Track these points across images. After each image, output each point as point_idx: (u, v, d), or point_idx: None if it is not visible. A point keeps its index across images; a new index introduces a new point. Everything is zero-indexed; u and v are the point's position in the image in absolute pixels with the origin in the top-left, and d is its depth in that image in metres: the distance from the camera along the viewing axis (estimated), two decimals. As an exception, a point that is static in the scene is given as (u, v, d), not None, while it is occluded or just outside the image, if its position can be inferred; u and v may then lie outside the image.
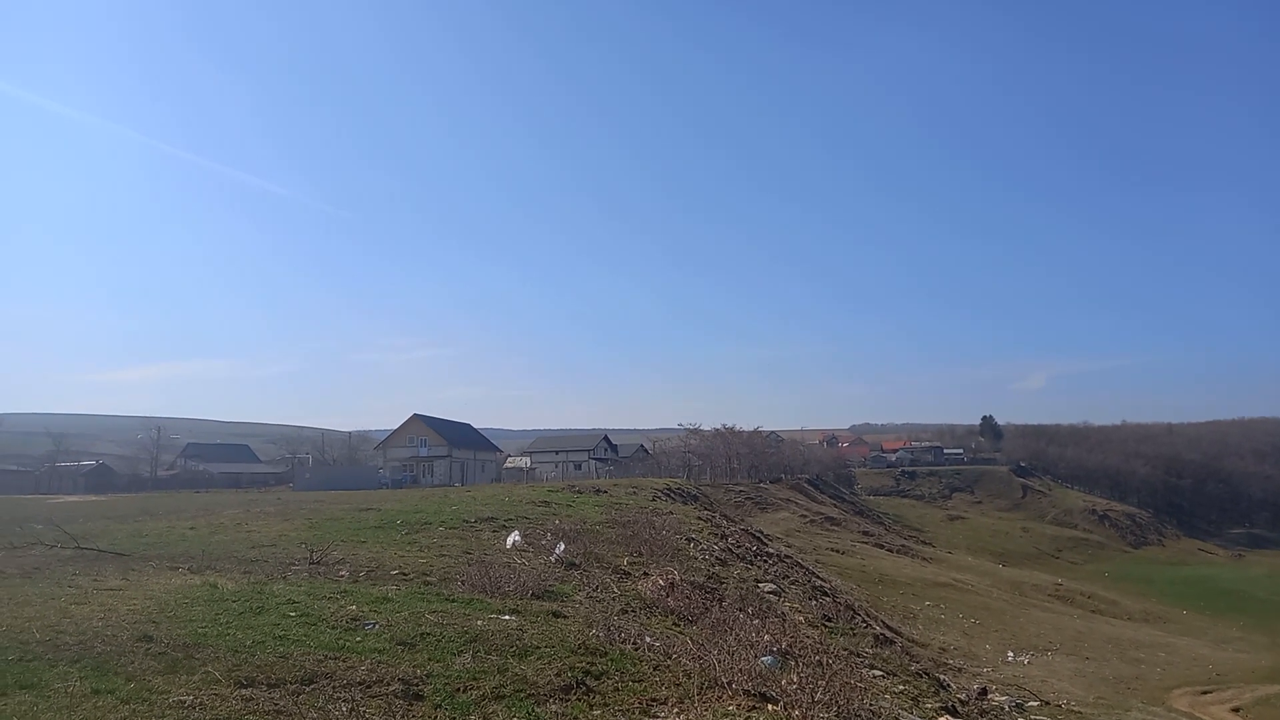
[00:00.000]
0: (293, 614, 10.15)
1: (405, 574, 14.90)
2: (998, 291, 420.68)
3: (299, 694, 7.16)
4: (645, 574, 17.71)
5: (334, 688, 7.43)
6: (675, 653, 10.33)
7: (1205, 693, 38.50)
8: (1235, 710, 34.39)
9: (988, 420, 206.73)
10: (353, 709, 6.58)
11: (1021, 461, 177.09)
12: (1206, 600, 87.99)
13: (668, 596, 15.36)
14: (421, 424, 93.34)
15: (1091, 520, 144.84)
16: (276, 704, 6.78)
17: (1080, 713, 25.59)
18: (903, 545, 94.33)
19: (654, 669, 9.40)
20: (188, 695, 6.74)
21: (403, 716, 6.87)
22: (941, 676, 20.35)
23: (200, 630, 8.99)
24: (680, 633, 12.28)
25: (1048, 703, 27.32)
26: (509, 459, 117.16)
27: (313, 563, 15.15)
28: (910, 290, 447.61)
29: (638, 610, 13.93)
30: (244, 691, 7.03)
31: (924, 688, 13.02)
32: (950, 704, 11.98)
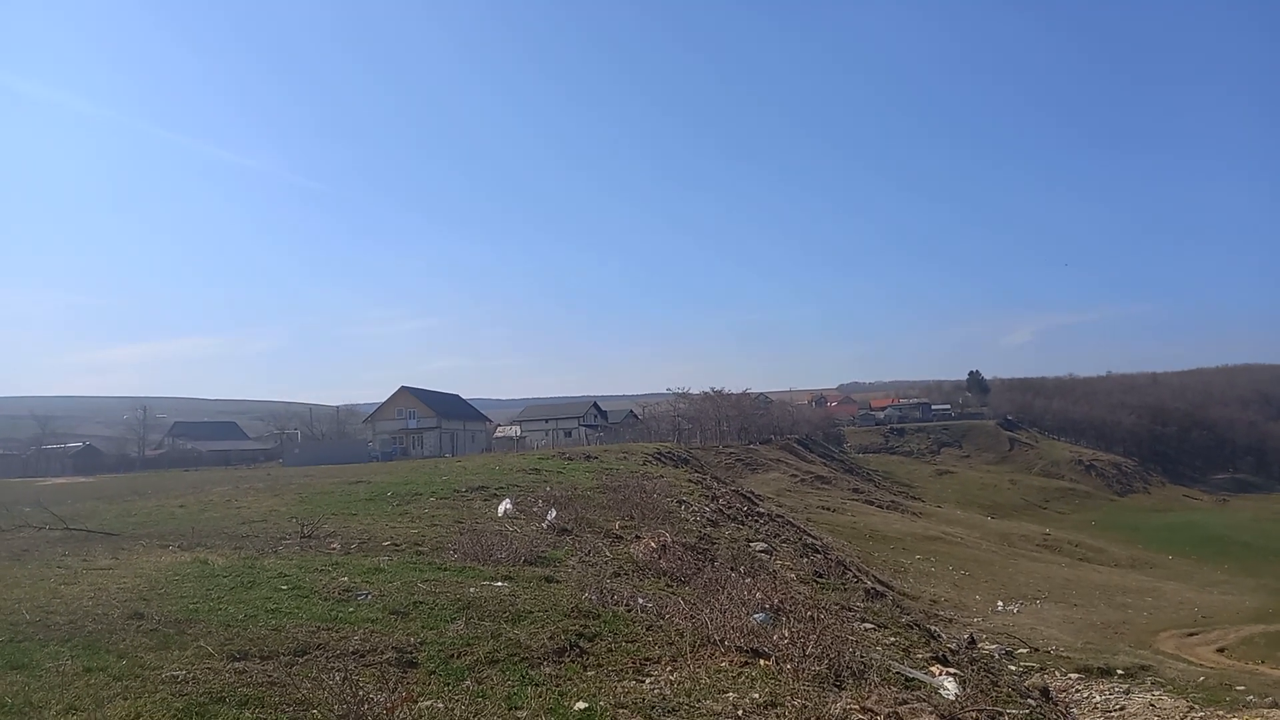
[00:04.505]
0: (284, 587, 10.14)
1: (397, 545, 14.92)
2: (980, 251, 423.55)
3: (292, 665, 7.17)
4: (637, 537, 17.78)
5: (327, 658, 7.44)
6: (668, 613, 10.40)
7: (1191, 635, 39.26)
8: (1220, 651, 35.10)
9: (974, 375, 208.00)
10: (346, 678, 6.59)
11: (1008, 415, 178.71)
12: (1192, 545, 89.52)
13: (660, 558, 15.43)
14: (410, 396, 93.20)
15: (1078, 470, 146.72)
16: (270, 676, 6.79)
17: (1068, 658, 26.05)
18: (892, 501, 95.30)
19: (647, 629, 9.46)
20: (180, 670, 6.74)
21: (397, 684, 6.89)
22: (932, 627, 20.62)
23: (191, 606, 8.97)
24: (673, 593, 12.35)
25: (1036, 649, 27.81)
26: (499, 428, 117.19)
27: (304, 536, 15.13)
28: (893, 252, 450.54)
29: (630, 573, 14.00)
30: (237, 665, 7.03)
31: (915, 639, 13.16)
32: (941, 654, 12.11)
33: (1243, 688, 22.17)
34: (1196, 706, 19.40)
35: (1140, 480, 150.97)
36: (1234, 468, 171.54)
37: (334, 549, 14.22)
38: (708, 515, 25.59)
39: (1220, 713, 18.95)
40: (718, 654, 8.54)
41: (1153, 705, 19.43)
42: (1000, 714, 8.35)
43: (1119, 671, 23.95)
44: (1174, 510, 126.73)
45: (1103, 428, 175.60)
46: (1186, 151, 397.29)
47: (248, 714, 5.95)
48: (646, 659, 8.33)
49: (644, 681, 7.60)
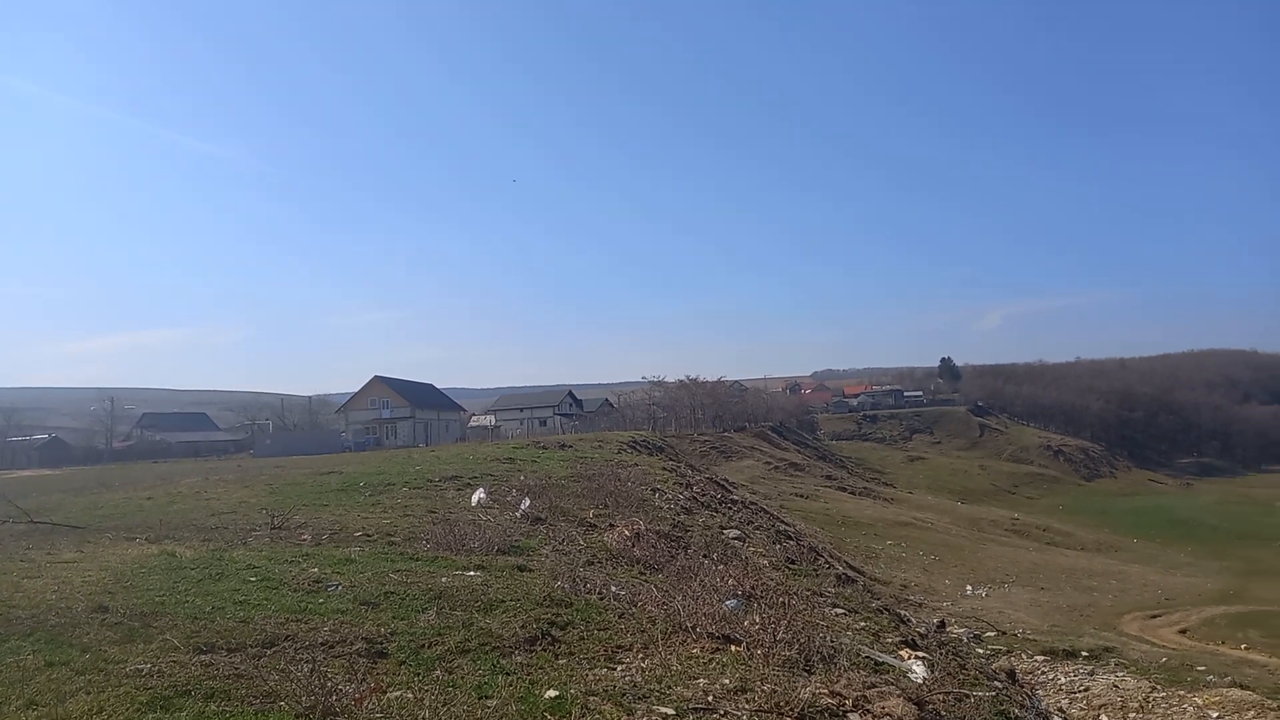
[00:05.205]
0: (253, 579, 10.06)
1: (369, 535, 14.83)
2: (950, 237, 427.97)
3: (260, 657, 7.11)
4: (611, 525, 17.81)
5: (296, 649, 7.39)
6: (641, 600, 10.43)
7: (1154, 616, 40.08)
8: (1182, 632, 35.86)
9: (946, 362, 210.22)
10: (314, 669, 6.54)
11: (979, 401, 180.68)
12: (1157, 528, 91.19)
13: (633, 546, 15.47)
14: (383, 386, 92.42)
15: (1047, 456, 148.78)
16: (237, 668, 6.73)
17: (1035, 640, 26.45)
18: (865, 487, 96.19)
19: (619, 617, 9.48)
20: (145, 663, 6.67)
21: (366, 674, 6.86)
22: (902, 612, 20.86)
23: (158, 599, 8.87)
24: (646, 581, 12.39)
25: (1004, 632, 28.22)
26: (473, 418, 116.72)
27: (274, 528, 15.02)
28: (865, 238, 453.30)
29: (603, 561, 14.02)
30: (203, 657, 6.97)
31: (885, 623, 13.30)
32: (910, 638, 12.26)
33: (1203, 668, 22.63)
34: (1158, 687, 19.76)
35: (1107, 465, 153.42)
36: (1199, 452, 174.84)
37: (304, 540, 14.11)
38: (682, 503, 25.68)
39: (1181, 692, 19.32)
40: (690, 640, 8.58)
41: (1116, 686, 19.77)
42: (967, 696, 8.46)
43: (1084, 653, 24.35)
44: (1140, 494, 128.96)
45: (1071, 413, 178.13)
46: (1157, 135, 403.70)
47: (213, 707, 5.89)
48: (619, 646, 8.36)
49: (616, 669, 7.62)
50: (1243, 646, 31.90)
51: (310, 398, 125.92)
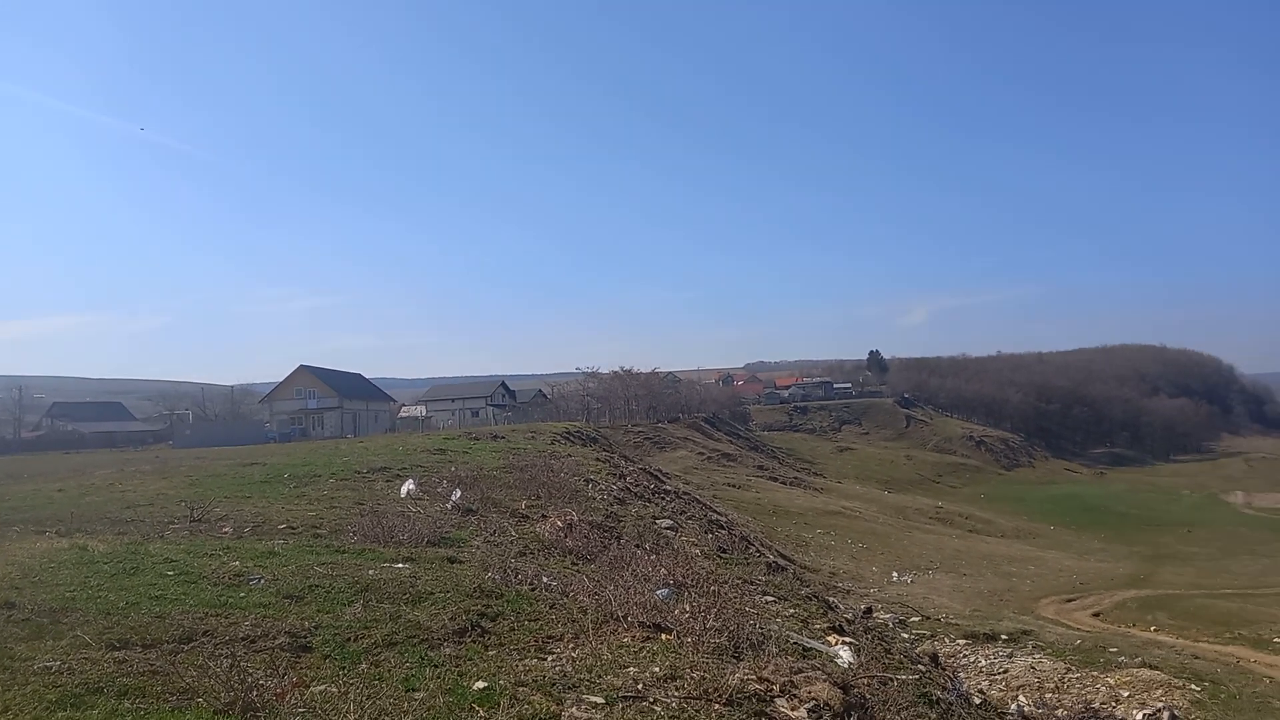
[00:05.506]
0: (170, 573, 9.73)
1: (293, 527, 14.50)
2: (875, 237, 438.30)
3: (176, 653, 6.88)
4: (543, 516, 17.75)
5: (215, 645, 7.17)
6: (572, 591, 10.42)
7: (1069, 600, 41.63)
8: (1095, 615, 37.33)
9: (874, 355, 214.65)
10: (234, 664, 6.36)
11: (905, 393, 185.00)
12: (1072, 516, 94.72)
13: (566, 537, 15.45)
14: (309, 375, 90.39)
15: (969, 446, 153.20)
16: (152, 664, 6.50)
17: (957, 625, 27.29)
18: (795, 477, 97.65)
19: (550, 608, 9.46)
20: (54, 661, 6.39)
21: (289, 668, 6.70)
22: (830, 599, 21.31)
23: (68, 594, 8.51)
24: (578, 571, 12.39)
25: (928, 617, 29.04)
26: (404, 408, 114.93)
27: (193, 520, 14.56)
28: (794, 238, 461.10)
29: (536, 552, 13.98)
30: (116, 654, 6.71)
31: (813, 610, 13.58)
32: (838, 624, 12.53)
33: (1115, 649, 23.64)
34: (1073, 668, 20.62)
35: (1026, 455, 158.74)
36: (1111, 442, 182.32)
37: (226, 533, 13.72)
38: (615, 494, 25.75)
39: (1094, 673, 20.19)
40: (620, 629, 8.61)
41: (1033, 668, 20.55)
42: (891, 679, 8.68)
43: (1003, 636, 25.22)
44: (1056, 483, 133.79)
45: (992, 405, 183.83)
46: (1063, 149, 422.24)
47: (127, 704, 5.69)
48: (549, 637, 8.34)
49: (546, 659, 7.60)
50: (1152, 629, 33.39)
51: (233, 387, 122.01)
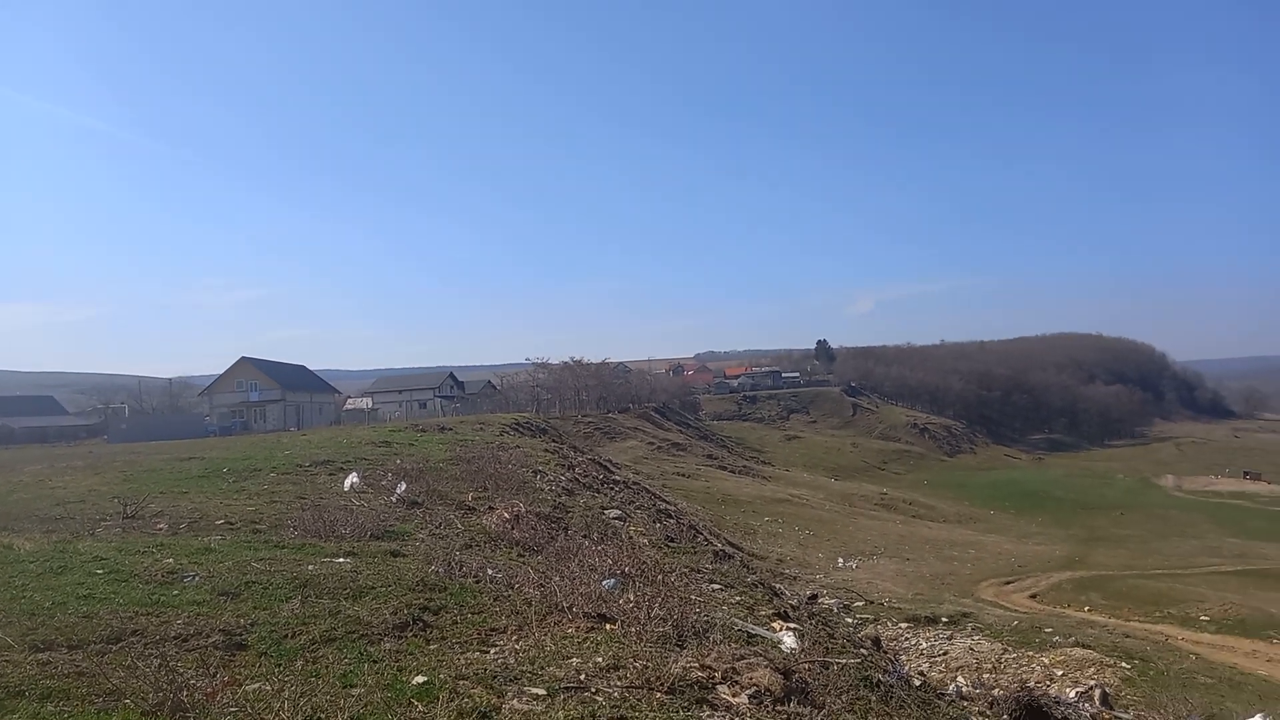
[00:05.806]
0: (100, 571, 9.43)
1: (232, 523, 14.19)
2: (822, 228, 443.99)
3: (104, 653, 6.68)
4: (490, 508, 17.62)
5: (145, 644, 6.98)
6: (518, 583, 10.36)
7: (1008, 583, 42.78)
8: (1033, 597, 38.42)
9: (822, 344, 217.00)
10: (164, 664, 6.18)
11: (852, 382, 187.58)
12: (1011, 500, 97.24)
13: (512, 529, 15.36)
14: (251, 367, 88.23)
15: (913, 433, 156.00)
16: (78, 665, 6.30)
17: (899, 609, 27.83)
18: (744, 466, 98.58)
19: (494, 600, 9.39)
20: (-28, 666, 6.15)
21: (222, 667, 6.55)
22: (776, 585, 21.53)
23: (-10, 596, 8.21)
24: (524, 563, 12.33)
25: (872, 602, 29.56)
26: (349, 401, 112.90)
27: (126, 517, 14.16)
28: (744, 231, 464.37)
29: (482, 544, 13.88)
30: (40, 656, 6.50)
31: (759, 597, 13.67)
32: (783, 610, 12.66)
33: (1050, 630, 24.34)
34: (1010, 648, 21.18)
35: (967, 441, 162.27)
36: (1050, 428, 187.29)
37: (160, 529, 13.36)
38: (563, 484, 25.65)
39: (1030, 653, 20.77)
40: (565, 621, 8.59)
41: (972, 649, 21.06)
42: (832, 664, 8.79)
43: (943, 619, 25.79)
44: (996, 469, 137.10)
45: (936, 392, 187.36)
46: (1001, 142, 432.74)
47: (50, 707, 5.50)
48: (492, 629, 8.28)
49: (488, 652, 7.55)
50: (1085, 609, 34.46)
51: (171, 380, 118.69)
